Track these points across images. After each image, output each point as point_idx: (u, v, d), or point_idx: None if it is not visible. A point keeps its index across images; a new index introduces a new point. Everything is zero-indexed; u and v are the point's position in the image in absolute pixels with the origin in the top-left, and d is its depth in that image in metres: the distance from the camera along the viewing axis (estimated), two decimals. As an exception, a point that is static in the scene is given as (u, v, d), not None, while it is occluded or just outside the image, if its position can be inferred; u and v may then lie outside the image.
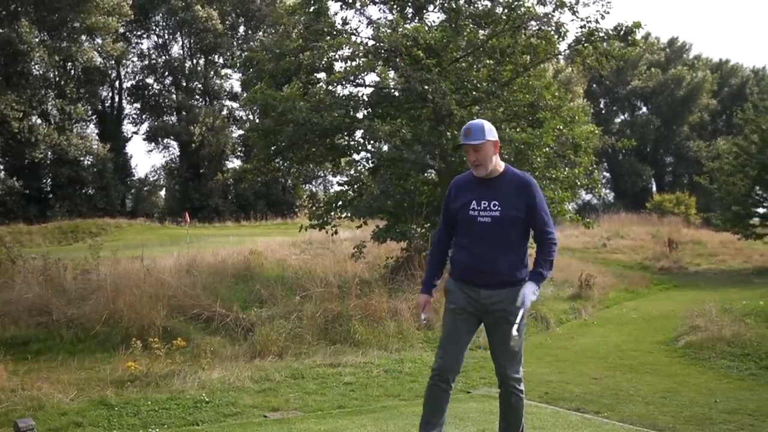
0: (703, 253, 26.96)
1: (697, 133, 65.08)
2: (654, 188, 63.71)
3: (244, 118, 47.04)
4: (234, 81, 50.42)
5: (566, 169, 14.39)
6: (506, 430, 4.86)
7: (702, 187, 29.95)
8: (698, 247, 27.84)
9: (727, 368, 9.08)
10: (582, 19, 14.25)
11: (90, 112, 44.42)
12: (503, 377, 4.74)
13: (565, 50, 15.51)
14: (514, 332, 4.53)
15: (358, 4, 14.89)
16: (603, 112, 66.31)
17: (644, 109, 67.47)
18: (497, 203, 4.58)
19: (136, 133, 49.81)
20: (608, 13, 14.20)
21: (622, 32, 14.24)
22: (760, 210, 25.76)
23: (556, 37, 14.40)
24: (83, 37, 41.63)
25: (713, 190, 28.05)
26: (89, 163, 42.28)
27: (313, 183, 49.44)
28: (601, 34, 14.20)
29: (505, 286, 4.60)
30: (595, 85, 62.58)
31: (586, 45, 14.34)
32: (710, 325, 10.92)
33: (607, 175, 63.96)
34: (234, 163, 47.87)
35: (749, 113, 26.00)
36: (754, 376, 8.65)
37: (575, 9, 14.17)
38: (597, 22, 14.18)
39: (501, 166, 4.71)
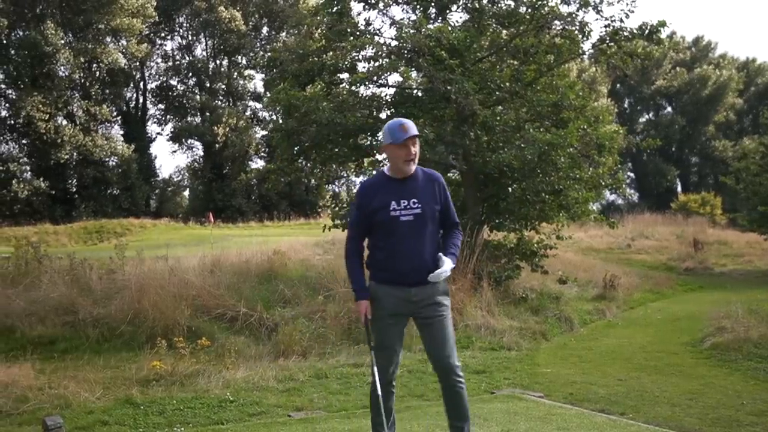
0: (729, 253, 26.70)
1: (722, 133, 64.51)
2: (679, 188, 63.28)
3: (268, 118, 47.29)
4: (257, 81, 50.76)
5: (590, 169, 14.29)
6: (460, 422, 4.74)
7: (728, 187, 29.67)
8: (724, 248, 27.57)
9: (754, 370, 8.98)
10: (606, 18, 14.14)
11: (115, 113, 44.83)
12: (447, 368, 4.69)
13: (589, 50, 15.41)
14: (448, 322, 4.69)
15: (381, 5, 14.88)
16: (627, 111, 65.92)
17: (669, 108, 67.02)
18: (416, 201, 4.65)
19: (160, 133, 50.57)
20: (633, 12, 14.08)
21: (647, 31, 14.11)
22: (788, 210, 25.44)
23: (580, 36, 14.30)
24: (108, 39, 42.07)
25: (739, 190, 27.79)
26: (114, 163, 42.69)
27: (336, 183, 49.55)
28: (626, 33, 14.07)
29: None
30: (619, 85, 62.19)
31: (610, 44, 14.23)
32: (737, 327, 10.79)
33: (632, 175, 63.58)
34: (257, 164, 48.16)
35: (776, 112, 25.73)
36: (782, 378, 8.55)
37: (599, 8, 14.06)
38: (621, 21, 14.06)
39: None
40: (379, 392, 4.67)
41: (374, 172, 15.93)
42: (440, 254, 4.66)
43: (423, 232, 4.65)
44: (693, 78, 63.02)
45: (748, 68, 68.07)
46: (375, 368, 4.71)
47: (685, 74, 63.44)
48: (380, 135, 4.79)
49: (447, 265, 4.60)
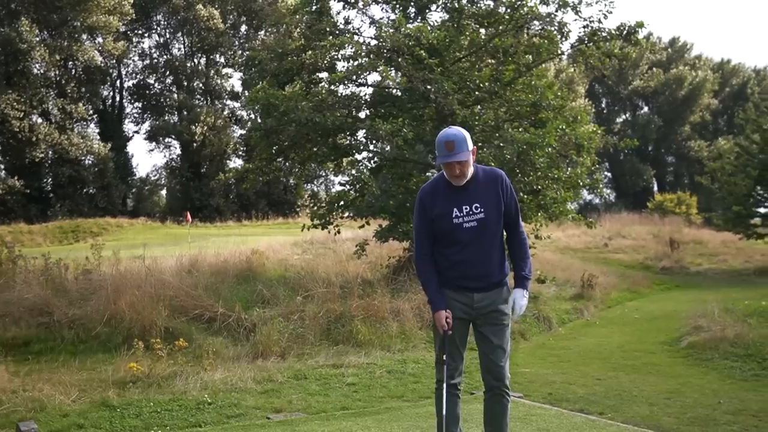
0: (705, 253, 26.96)
1: (698, 133, 65.15)
2: (655, 188, 63.76)
3: (246, 117, 47.10)
4: (235, 80, 50.59)
5: (568, 169, 14.35)
6: None
7: (703, 187, 30.01)
8: (699, 247, 27.84)
9: (730, 369, 9.07)
10: (585, 19, 14.21)
11: (91, 112, 44.38)
12: (497, 379, 4.61)
13: (567, 50, 15.49)
14: (507, 332, 4.61)
15: (360, 4, 14.86)
16: (605, 111, 66.36)
17: (645, 108, 67.59)
18: (479, 205, 4.50)
19: (137, 132, 49.92)
20: (611, 12, 14.15)
21: (625, 32, 14.18)
22: (762, 210, 25.77)
23: (558, 36, 14.36)
24: (84, 37, 41.64)
25: (714, 190, 28.08)
26: (90, 162, 42.29)
27: (315, 182, 49.46)
28: (604, 34, 14.15)
29: (495, 287, 4.58)
30: (596, 85, 62.64)
31: (588, 45, 14.30)
32: (713, 326, 10.91)
33: (609, 174, 64.04)
34: (235, 163, 47.89)
35: (750, 113, 26.01)
36: (757, 376, 8.64)
37: (578, 9, 14.12)
38: (600, 21, 14.14)
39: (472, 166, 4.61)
40: (445, 397, 4.56)
41: (353, 172, 15.94)
42: (512, 291, 4.59)
43: (487, 237, 4.53)
44: (669, 78, 63.55)
45: (723, 69, 68.81)
46: (442, 375, 4.59)
47: (662, 75, 63.96)
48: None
49: (520, 300, 4.55)
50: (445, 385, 4.57)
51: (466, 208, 4.50)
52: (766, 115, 24.89)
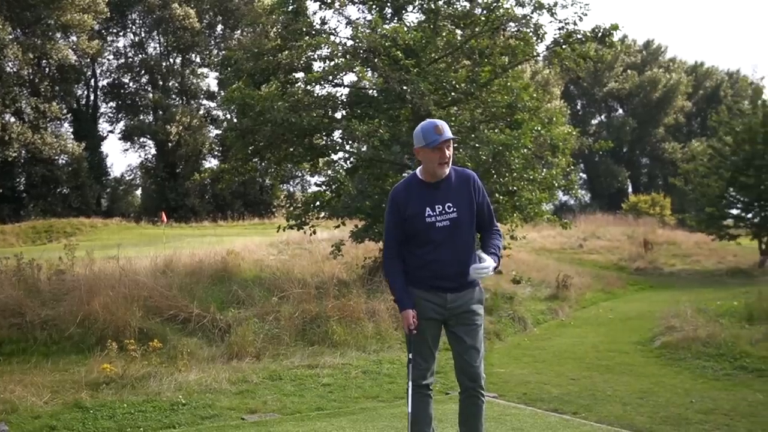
0: (678, 253, 27.22)
1: (672, 135, 65.75)
2: (630, 189, 64.31)
3: (222, 117, 46.77)
4: (211, 80, 50.26)
5: (544, 170, 14.42)
6: None
7: (677, 188, 30.29)
8: (673, 248, 28.10)
9: (702, 368, 9.16)
10: (560, 21, 14.28)
11: (65, 111, 43.94)
12: (471, 380, 4.61)
13: (543, 52, 15.57)
14: (481, 332, 4.61)
15: (336, 4, 14.83)
16: (580, 113, 66.82)
17: (620, 110, 68.08)
18: (452, 205, 4.52)
19: (111, 132, 49.47)
20: (586, 15, 14.24)
21: (600, 34, 14.28)
22: (734, 211, 26.07)
23: (534, 38, 14.44)
24: (58, 35, 41.18)
25: (688, 191, 28.34)
26: (64, 162, 41.85)
27: (291, 183, 49.30)
28: (579, 36, 14.23)
29: (468, 287, 4.58)
30: (572, 87, 63.00)
31: (564, 47, 14.38)
32: (685, 326, 11.01)
33: (584, 176, 64.41)
34: (211, 163, 47.61)
35: (723, 115, 26.29)
36: (729, 376, 8.73)
37: (554, 11, 14.19)
38: (575, 24, 14.20)
39: None
40: (417, 398, 4.58)
41: (329, 173, 15.90)
42: (479, 252, 4.49)
43: (460, 237, 4.54)
44: (644, 81, 64.10)
45: (697, 72, 69.48)
46: (410, 375, 4.58)
47: (636, 77, 64.51)
48: (414, 138, 4.59)
49: (488, 262, 4.43)
50: (411, 385, 4.57)
51: (439, 208, 4.51)
52: (739, 118, 25.18)
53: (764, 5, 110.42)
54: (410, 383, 4.59)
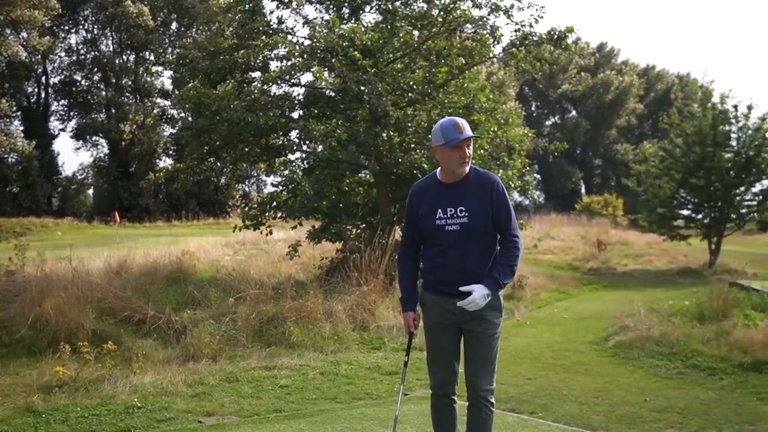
0: (631, 253, 27.59)
1: (624, 137, 66.83)
2: (583, 190, 65.15)
3: (177, 116, 46.32)
4: (165, 78, 49.68)
5: (500, 171, 14.53)
6: None
7: (629, 189, 30.63)
8: (626, 248, 28.48)
9: (656, 367, 9.29)
10: (516, 23, 14.41)
11: (14, 108, 43.04)
12: (476, 388, 4.42)
13: (499, 53, 15.69)
14: (492, 342, 4.46)
15: (294, 4, 14.77)
16: (534, 115, 67.48)
17: (574, 112, 68.94)
18: (464, 209, 4.35)
19: (63, 130, 48.86)
20: (542, 17, 14.39)
21: (555, 37, 14.44)
22: (684, 212, 26.48)
23: (491, 40, 14.56)
24: (8, 31, 40.28)
25: (640, 192, 28.70)
26: (14, 160, 41.04)
27: (246, 182, 48.97)
28: (535, 38, 14.37)
29: None
30: (526, 89, 63.63)
31: (520, 48, 14.51)
32: (639, 325, 11.16)
33: (538, 177, 65.09)
34: (165, 162, 47.06)
35: (674, 118, 26.69)
36: (682, 374, 8.87)
37: (510, 13, 14.32)
38: (531, 26, 14.35)
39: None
40: (438, 406, 4.53)
41: (286, 173, 15.86)
42: (469, 287, 4.28)
43: (470, 242, 4.34)
44: (597, 83, 65.06)
45: (648, 74, 70.72)
46: (404, 379, 4.50)
47: (589, 79, 65.43)
48: (431, 136, 4.47)
49: (475, 295, 4.24)
50: (431, 394, 4.53)
51: (450, 210, 4.37)
52: (689, 120, 25.60)
53: (714, 10, 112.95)
54: (401, 386, 4.56)
